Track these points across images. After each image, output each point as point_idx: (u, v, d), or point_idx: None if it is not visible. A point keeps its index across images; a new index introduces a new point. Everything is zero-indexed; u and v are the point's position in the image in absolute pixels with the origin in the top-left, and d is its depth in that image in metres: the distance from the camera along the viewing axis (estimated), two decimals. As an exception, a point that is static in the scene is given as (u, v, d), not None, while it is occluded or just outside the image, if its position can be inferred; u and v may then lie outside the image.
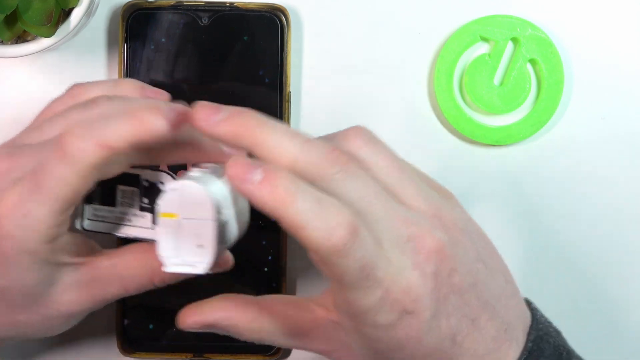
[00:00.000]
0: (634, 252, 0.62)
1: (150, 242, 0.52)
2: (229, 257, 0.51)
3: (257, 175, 0.43)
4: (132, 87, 0.53)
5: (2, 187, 0.49)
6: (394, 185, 0.47)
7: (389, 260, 0.45)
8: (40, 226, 0.48)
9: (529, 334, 0.50)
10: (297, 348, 0.52)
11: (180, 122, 0.47)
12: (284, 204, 0.43)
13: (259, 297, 0.51)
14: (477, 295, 0.48)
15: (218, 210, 0.47)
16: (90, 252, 0.53)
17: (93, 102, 0.50)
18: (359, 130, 0.48)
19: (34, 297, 0.51)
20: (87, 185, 0.48)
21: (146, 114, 0.46)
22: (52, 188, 0.47)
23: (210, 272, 0.49)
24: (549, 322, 0.52)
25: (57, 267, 0.50)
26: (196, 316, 0.50)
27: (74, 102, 0.52)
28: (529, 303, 0.52)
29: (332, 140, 0.48)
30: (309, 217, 0.43)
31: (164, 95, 0.54)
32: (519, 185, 0.62)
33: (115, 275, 0.52)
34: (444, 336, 0.47)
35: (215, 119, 0.45)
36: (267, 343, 0.51)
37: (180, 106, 0.48)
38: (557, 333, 0.51)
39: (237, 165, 0.44)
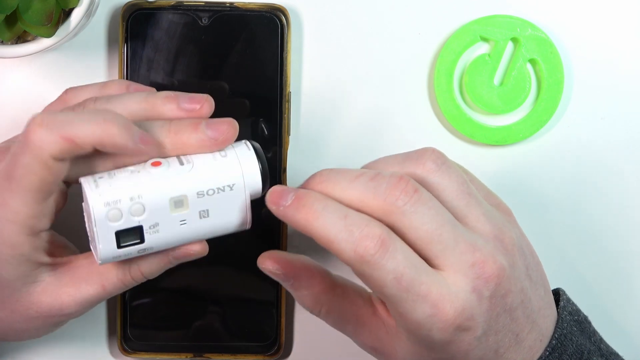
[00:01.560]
0: (634, 252, 0.62)
1: None
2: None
3: (289, 199, 0.47)
4: (118, 87, 0.54)
5: None
6: (462, 209, 0.49)
7: (445, 282, 0.48)
8: (17, 217, 0.49)
9: (554, 331, 0.52)
10: (345, 334, 0.53)
11: (145, 145, 0.48)
12: (309, 220, 0.47)
13: (337, 276, 0.53)
14: (523, 312, 0.50)
15: (108, 216, 0.48)
16: (64, 247, 0.53)
17: (81, 105, 0.52)
18: (431, 154, 0.50)
19: (11, 292, 0.51)
20: (52, 176, 0.48)
21: (115, 126, 0.47)
22: (20, 177, 0.48)
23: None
24: (576, 319, 0.53)
25: (36, 266, 0.51)
26: (280, 264, 0.52)
27: (65, 106, 0.53)
28: (559, 294, 0.54)
29: (404, 162, 0.50)
30: (336, 231, 0.47)
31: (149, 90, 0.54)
32: (519, 185, 0.62)
33: (94, 273, 0.52)
34: (489, 349, 0.50)
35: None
36: (318, 316, 0.53)
37: (149, 137, 0.49)
38: (581, 331, 0.53)
39: (272, 193, 0.49)
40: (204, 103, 0.51)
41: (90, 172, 0.50)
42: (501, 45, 0.60)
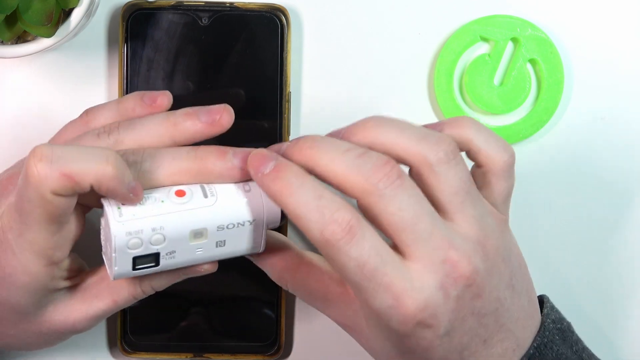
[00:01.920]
0: (633, 252, 0.62)
1: None
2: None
3: (268, 168, 0.47)
4: (133, 101, 0.54)
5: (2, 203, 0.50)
6: (455, 205, 0.49)
7: (410, 275, 0.47)
8: (33, 247, 0.49)
9: (534, 340, 0.51)
10: (316, 308, 0.54)
11: (134, 195, 0.48)
12: (284, 194, 0.47)
13: (306, 253, 0.54)
14: (496, 319, 0.50)
15: (128, 244, 0.49)
16: (79, 270, 0.53)
17: (106, 132, 0.51)
18: (448, 145, 0.48)
19: (25, 315, 0.51)
20: (58, 209, 0.48)
21: (113, 168, 0.47)
22: (27, 211, 0.48)
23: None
24: (558, 327, 0.53)
25: (53, 292, 0.51)
26: None
27: (87, 128, 0.53)
28: (543, 302, 0.54)
29: (419, 142, 0.48)
30: (307, 210, 0.46)
31: (164, 98, 0.54)
32: (519, 185, 0.61)
33: (105, 289, 0.52)
34: (453, 350, 0.49)
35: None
36: (289, 291, 0.54)
37: (140, 189, 0.49)
38: (564, 339, 0.52)
39: (254, 156, 0.49)
40: (223, 113, 0.52)
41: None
42: (501, 45, 0.60)
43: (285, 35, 0.59)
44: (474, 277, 0.48)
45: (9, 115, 0.60)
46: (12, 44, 0.55)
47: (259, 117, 0.59)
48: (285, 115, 0.59)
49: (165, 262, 0.50)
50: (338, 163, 0.47)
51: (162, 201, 0.49)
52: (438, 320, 0.47)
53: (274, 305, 0.60)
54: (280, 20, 0.59)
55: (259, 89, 0.59)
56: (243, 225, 0.50)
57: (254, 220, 0.50)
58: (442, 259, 0.47)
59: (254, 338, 0.60)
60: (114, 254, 0.49)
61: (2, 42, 0.55)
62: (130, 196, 0.48)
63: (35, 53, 0.54)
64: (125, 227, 0.48)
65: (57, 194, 0.47)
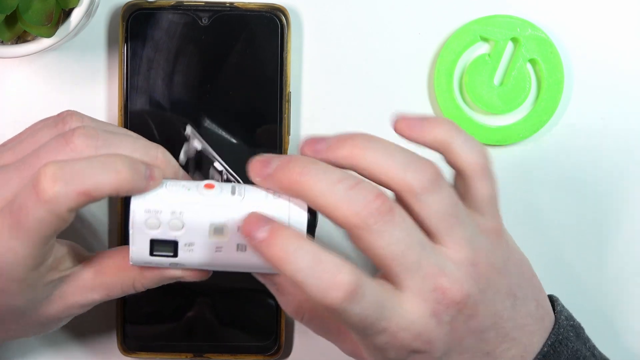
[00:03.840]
0: (634, 252, 0.62)
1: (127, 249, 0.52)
2: (186, 274, 0.53)
3: (262, 233, 0.46)
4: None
5: None
6: (443, 230, 0.48)
7: (403, 310, 0.47)
8: (25, 260, 0.49)
9: (548, 338, 0.51)
10: (328, 340, 0.54)
11: (154, 181, 0.50)
12: (281, 261, 0.46)
13: None
14: (497, 332, 0.50)
15: (146, 222, 0.49)
16: (75, 258, 0.53)
17: (69, 132, 0.51)
18: (430, 172, 0.48)
19: (22, 313, 0.52)
20: (66, 223, 0.49)
21: (128, 173, 0.48)
22: (31, 228, 0.48)
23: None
24: (571, 324, 0.53)
25: (44, 286, 0.51)
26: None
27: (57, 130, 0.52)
28: (553, 301, 0.54)
29: (405, 168, 0.48)
30: (306, 275, 0.46)
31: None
32: (519, 186, 0.62)
33: (99, 283, 0.53)
34: None
35: (266, 171, 0.48)
36: (300, 322, 0.54)
37: (156, 172, 0.50)
38: (577, 336, 0.53)
39: (248, 221, 0.47)
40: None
41: None
42: (501, 45, 0.60)
43: (285, 35, 0.59)
44: (466, 301, 0.48)
45: (9, 115, 0.60)
46: (12, 44, 0.55)
47: (259, 117, 0.59)
48: (285, 115, 0.59)
49: (183, 255, 0.50)
50: (329, 195, 0.47)
51: (189, 189, 0.49)
52: (433, 345, 0.48)
53: (274, 305, 0.60)
54: (280, 20, 0.59)
55: (259, 89, 0.59)
56: None
57: None
58: (432, 288, 0.47)
59: (254, 338, 0.60)
60: (131, 230, 0.49)
61: (2, 42, 0.55)
62: (149, 184, 0.49)
63: (35, 53, 0.55)
64: (144, 204, 0.49)
65: (72, 210, 0.48)
